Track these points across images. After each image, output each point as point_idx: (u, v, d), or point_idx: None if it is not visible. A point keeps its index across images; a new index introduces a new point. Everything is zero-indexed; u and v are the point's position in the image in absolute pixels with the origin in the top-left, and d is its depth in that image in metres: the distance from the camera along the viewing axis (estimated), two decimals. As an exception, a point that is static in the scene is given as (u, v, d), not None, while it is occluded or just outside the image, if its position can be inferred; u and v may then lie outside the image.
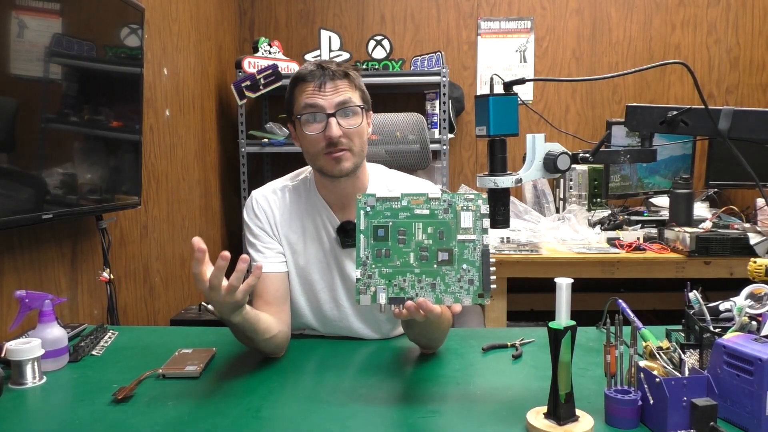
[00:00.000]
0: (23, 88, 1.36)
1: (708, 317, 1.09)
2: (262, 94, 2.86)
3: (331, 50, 3.08)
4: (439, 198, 0.99)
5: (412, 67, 3.07)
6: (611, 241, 2.43)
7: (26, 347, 1.09)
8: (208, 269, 0.98)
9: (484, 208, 0.98)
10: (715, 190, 2.98)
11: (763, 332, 0.97)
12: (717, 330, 1.02)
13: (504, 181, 1.02)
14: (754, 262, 1.10)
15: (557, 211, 3.00)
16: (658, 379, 0.87)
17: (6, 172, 1.31)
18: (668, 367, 0.92)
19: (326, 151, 1.24)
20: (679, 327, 1.17)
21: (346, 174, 1.26)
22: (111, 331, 1.40)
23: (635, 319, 1.15)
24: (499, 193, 1.04)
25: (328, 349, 1.29)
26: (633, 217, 2.70)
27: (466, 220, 0.98)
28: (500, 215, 1.04)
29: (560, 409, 0.88)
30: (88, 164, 1.61)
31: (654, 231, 2.53)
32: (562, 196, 3.00)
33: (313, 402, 1.02)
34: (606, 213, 2.75)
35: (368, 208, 0.99)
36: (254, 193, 1.39)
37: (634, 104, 1.09)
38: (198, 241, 0.97)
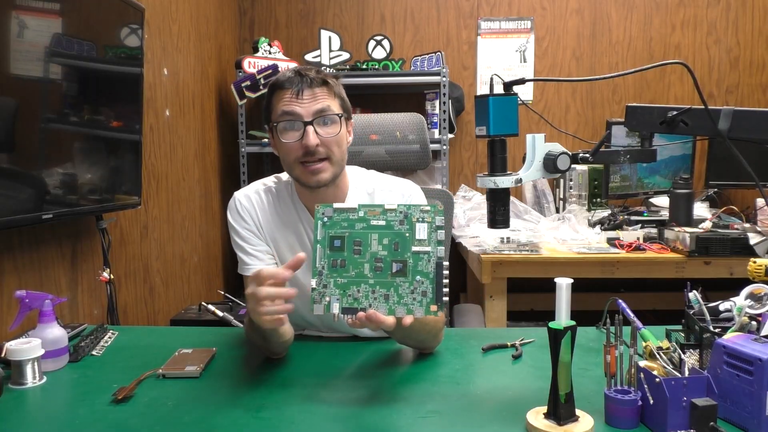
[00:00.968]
0: (23, 88, 1.36)
1: (708, 317, 1.09)
2: (262, 94, 2.86)
3: (331, 50, 3.08)
4: (395, 209, 0.99)
5: (412, 67, 3.07)
6: (611, 241, 2.43)
7: (26, 347, 1.09)
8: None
9: (439, 220, 0.98)
10: (715, 190, 2.98)
11: (763, 332, 0.97)
12: (717, 330, 1.02)
13: (504, 181, 1.02)
14: (754, 262, 1.10)
15: (557, 211, 3.00)
16: (658, 379, 0.87)
17: (6, 172, 1.31)
18: (668, 367, 0.92)
19: (303, 160, 1.22)
20: (679, 327, 1.17)
21: (324, 185, 1.25)
22: (111, 331, 1.40)
23: (635, 319, 1.15)
24: (499, 193, 1.04)
25: (328, 349, 1.29)
26: (633, 217, 2.70)
27: (421, 231, 0.98)
28: (500, 215, 1.04)
29: (560, 409, 0.88)
30: (88, 164, 1.61)
31: (654, 231, 2.53)
32: (562, 196, 3.00)
33: (313, 402, 1.02)
34: (606, 213, 2.75)
35: (325, 219, 0.99)
36: (236, 194, 1.37)
37: (634, 104, 1.09)
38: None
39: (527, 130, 1.12)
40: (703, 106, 1.01)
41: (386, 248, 0.98)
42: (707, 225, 2.37)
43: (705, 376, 0.89)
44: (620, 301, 1.21)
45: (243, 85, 2.82)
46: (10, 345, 1.10)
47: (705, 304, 1.11)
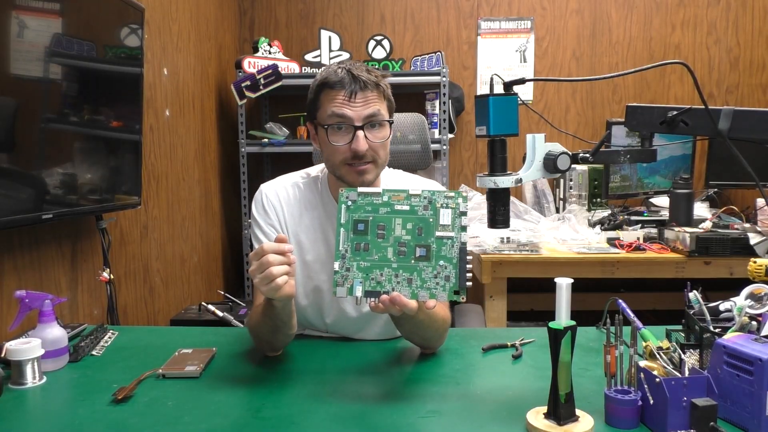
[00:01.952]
0: (23, 88, 1.36)
1: (708, 317, 1.09)
2: (262, 94, 2.86)
3: (331, 50, 3.08)
4: (419, 195, 0.99)
5: (412, 67, 3.07)
6: (611, 241, 2.43)
7: (26, 347, 1.09)
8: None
9: (464, 206, 0.98)
10: (715, 190, 2.98)
11: (763, 332, 0.97)
12: (717, 330, 1.02)
13: (504, 181, 1.02)
14: (754, 262, 1.10)
15: (557, 211, 3.00)
16: (658, 379, 0.87)
17: (6, 172, 1.31)
18: (668, 367, 0.92)
19: (349, 162, 1.22)
20: (679, 327, 1.17)
21: (368, 185, 1.24)
22: (111, 331, 1.40)
23: (635, 319, 1.15)
24: (499, 193, 1.04)
25: (329, 349, 1.29)
26: (633, 217, 2.70)
27: (445, 217, 0.98)
28: (500, 215, 1.04)
29: (560, 409, 0.88)
30: (88, 164, 1.61)
31: (654, 231, 2.53)
32: (562, 196, 3.00)
33: (313, 402, 1.02)
34: (606, 213, 2.75)
35: (349, 202, 0.99)
36: (263, 187, 1.36)
37: (634, 104, 1.09)
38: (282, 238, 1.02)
39: (527, 130, 1.12)
40: (703, 106, 1.01)
41: (410, 233, 0.98)
42: (707, 225, 2.37)
43: (705, 376, 0.89)
44: (620, 301, 1.20)
45: (243, 85, 2.82)
46: (10, 345, 1.10)
47: (705, 304, 1.11)
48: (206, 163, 2.79)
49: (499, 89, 1.01)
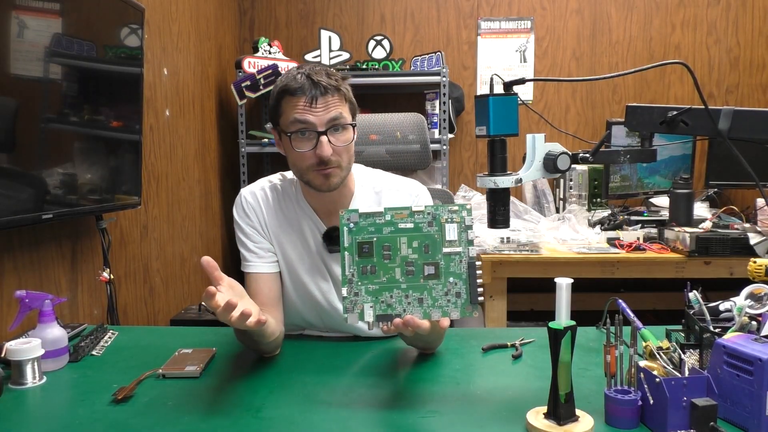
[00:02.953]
0: (23, 88, 1.36)
1: (708, 317, 1.09)
2: (262, 94, 2.86)
3: (331, 50, 3.08)
4: (423, 211, 0.96)
5: (412, 67, 3.07)
6: (611, 241, 2.43)
7: (26, 347, 1.09)
8: (219, 297, 0.94)
9: (469, 220, 0.96)
10: (715, 190, 2.98)
11: (763, 332, 0.97)
12: (717, 330, 1.02)
13: (504, 181, 1.02)
14: (754, 262, 1.10)
15: (557, 211, 3.00)
16: (658, 379, 0.87)
17: (6, 172, 1.31)
18: (668, 367, 0.92)
19: (315, 168, 1.22)
20: (679, 327, 1.17)
21: (334, 189, 1.25)
22: (111, 331, 1.40)
23: (635, 319, 1.15)
24: (499, 193, 1.04)
25: (328, 349, 1.29)
26: (633, 217, 2.70)
27: (451, 232, 0.96)
28: (500, 215, 1.04)
29: (560, 409, 0.88)
30: (88, 164, 1.61)
31: (654, 231, 2.53)
32: (562, 196, 3.00)
33: (313, 402, 1.02)
34: (606, 213, 2.75)
35: (351, 225, 0.96)
36: (243, 191, 1.37)
37: (634, 104, 1.09)
38: (208, 267, 0.98)
39: (527, 130, 1.12)
40: (703, 106, 1.01)
41: (416, 251, 0.96)
42: (707, 225, 2.37)
43: (705, 376, 0.89)
44: (620, 301, 1.20)
45: (243, 85, 2.82)
46: (10, 345, 1.10)
47: (705, 304, 1.11)
48: (206, 163, 2.79)
49: (499, 89, 1.01)
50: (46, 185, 1.44)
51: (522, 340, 1.28)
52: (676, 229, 2.37)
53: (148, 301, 2.19)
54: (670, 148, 2.88)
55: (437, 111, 2.96)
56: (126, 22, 1.74)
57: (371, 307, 0.95)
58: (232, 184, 3.12)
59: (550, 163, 1.03)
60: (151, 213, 2.21)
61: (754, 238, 2.25)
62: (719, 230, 2.32)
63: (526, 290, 3.02)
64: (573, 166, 1.05)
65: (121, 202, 1.79)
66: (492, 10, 3.28)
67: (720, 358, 0.91)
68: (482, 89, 3.29)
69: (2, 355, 1.13)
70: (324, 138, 1.20)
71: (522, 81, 1.01)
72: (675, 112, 1.04)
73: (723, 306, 1.12)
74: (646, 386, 0.89)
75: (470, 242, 0.96)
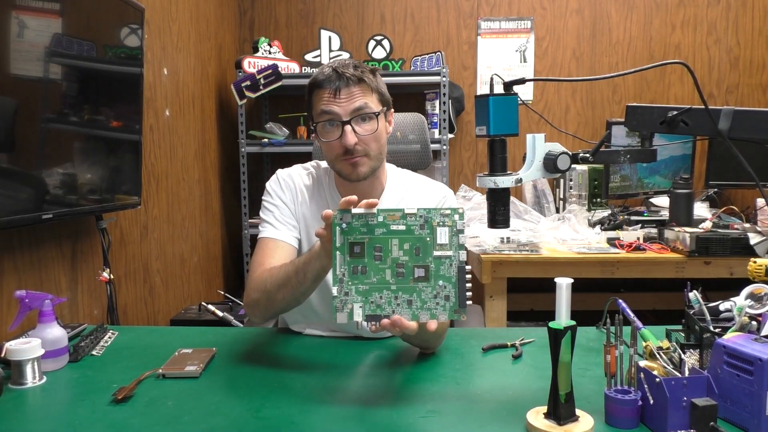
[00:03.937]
0: (23, 88, 1.36)
1: (708, 317, 1.09)
2: (262, 94, 2.86)
3: (331, 50, 3.08)
4: (415, 214, 0.97)
5: (412, 67, 3.07)
6: (611, 241, 2.43)
7: (26, 347, 1.09)
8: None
9: (460, 224, 0.97)
10: (715, 190, 2.98)
11: (763, 332, 0.97)
12: (717, 330, 1.02)
13: (504, 181, 1.02)
14: (754, 262, 1.10)
15: (557, 211, 3.00)
16: (658, 379, 0.87)
17: (6, 172, 1.31)
18: (668, 367, 0.92)
19: (343, 157, 1.26)
20: (679, 327, 1.17)
21: (363, 178, 1.29)
22: (111, 331, 1.40)
23: (635, 319, 1.15)
24: (499, 193, 1.04)
25: (329, 349, 1.29)
26: (633, 217, 2.70)
27: (443, 236, 0.97)
28: (500, 215, 1.04)
29: (560, 409, 0.88)
30: (88, 164, 1.61)
31: (654, 231, 2.53)
32: (562, 196, 3.00)
33: (313, 402, 1.02)
34: (606, 213, 2.75)
35: (344, 225, 0.97)
36: (279, 171, 1.41)
37: (634, 104, 1.09)
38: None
39: (527, 130, 1.12)
40: (703, 106, 1.01)
41: (407, 253, 0.97)
42: (707, 225, 2.37)
43: (705, 376, 0.89)
44: (620, 301, 1.20)
45: (243, 85, 2.82)
46: (10, 345, 1.10)
47: (705, 304, 1.11)
48: (206, 163, 2.79)
49: (499, 89, 1.01)
50: (46, 185, 1.44)
51: (522, 340, 1.28)
52: (676, 229, 2.37)
53: (148, 301, 2.19)
54: (670, 148, 2.88)
55: (437, 111, 2.96)
56: (126, 22, 1.74)
57: (361, 306, 0.96)
58: (232, 184, 3.12)
59: (550, 163, 1.03)
60: (151, 213, 2.21)
61: (754, 238, 2.25)
62: (719, 230, 2.32)
63: (526, 290, 3.02)
64: (573, 166, 1.05)
65: (121, 202, 1.79)
66: (492, 10, 3.29)
67: (720, 358, 0.91)
68: (482, 89, 3.29)
69: (2, 355, 1.13)
70: (348, 127, 1.24)
71: (522, 81, 1.01)
72: (675, 112, 1.04)
73: (723, 306, 1.12)
74: (646, 386, 0.89)
75: (461, 246, 0.97)
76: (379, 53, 3.07)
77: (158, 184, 2.26)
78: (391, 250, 0.97)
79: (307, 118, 1.35)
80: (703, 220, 2.42)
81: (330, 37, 3.09)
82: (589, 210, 2.89)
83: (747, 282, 1.08)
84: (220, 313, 2.01)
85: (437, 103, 2.95)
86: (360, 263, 0.97)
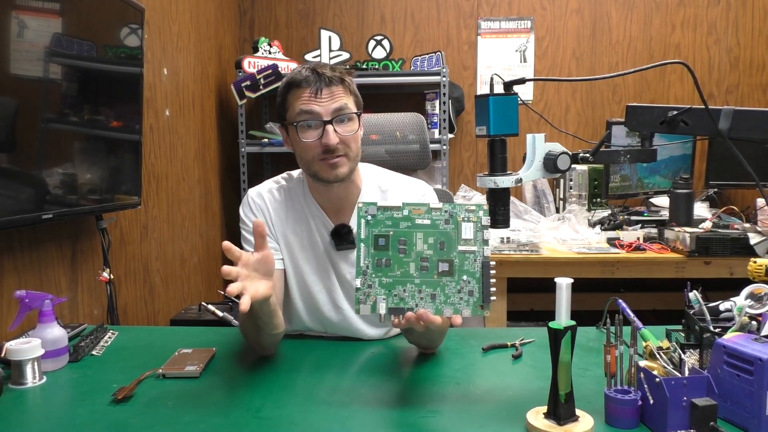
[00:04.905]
0: (23, 88, 1.36)
1: (708, 317, 1.09)
2: (262, 94, 2.86)
3: (331, 50, 3.08)
4: (440, 208, 0.98)
5: (412, 67, 3.07)
6: (611, 241, 2.43)
7: (26, 347, 1.09)
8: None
9: (485, 220, 0.97)
10: (715, 190, 2.98)
11: (763, 332, 0.97)
12: (717, 330, 1.02)
13: (504, 181, 1.02)
14: (754, 262, 1.10)
15: (557, 211, 3.00)
16: (658, 379, 0.87)
17: (6, 172, 1.31)
18: (668, 367, 0.92)
19: (322, 158, 1.24)
20: (679, 327, 1.17)
21: (341, 179, 1.26)
22: (111, 331, 1.40)
23: (635, 319, 1.15)
24: (499, 193, 1.04)
25: (328, 349, 1.29)
26: (633, 217, 2.70)
27: (467, 231, 0.97)
28: (500, 215, 1.04)
29: (560, 409, 0.88)
30: (88, 164, 1.61)
31: (654, 231, 2.53)
32: (562, 196, 3.00)
33: (313, 402, 1.02)
34: (606, 213, 2.75)
35: (369, 217, 0.97)
36: (250, 191, 1.39)
37: (634, 104, 1.09)
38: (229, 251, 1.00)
39: (527, 130, 1.12)
40: (703, 106, 1.01)
41: (432, 247, 0.97)
42: (707, 225, 2.37)
43: (705, 376, 0.89)
44: (620, 301, 1.20)
45: (243, 85, 2.82)
46: (10, 345, 1.10)
47: (705, 304, 1.11)
48: (206, 163, 2.79)
49: (499, 89, 1.01)
50: (46, 185, 1.44)
51: (522, 340, 1.28)
52: (676, 229, 2.37)
53: (148, 301, 2.19)
54: (670, 148, 2.88)
55: (437, 111, 2.96)
56: (126, 22, 1.74)
57: (384, 299, 0.96)
58: (232, 184, 3.12)
59: (550, 163, 1.04)
60: (151, 213, 2.21)
61: (754, 238, 2.25)
62: (719, 230, 2.32)
63: (526, 290, 3.02)
64: (573, 166, 1.05)
65: (121, 202, 1.79)
66: (492, 10, 3.28)
67: (720, 358, 0.91)
68: (482, 89, 3.29)
69: (2, 355, 1.13)
70: (330, 127, 1.22)
71: (522, 81, 1.01)
72: (675, 112, 1.04)
73: (723, 306, 1.12)
74: (646, 386, 0.89)
75: (485, 242, 0.97)
76: (379, 53, 3.07)
77: (158, 184, 2.26)
78: (416, 244, 0.97)
79: (278, 120, 1.32)
80: (703, 220, 2.42)
81: (330, 37, 3.09)
82: (589, 210, 2.89)
83: (747, 282, 1.08)
84: (220, 313, 2.01)
85: (437, 103, 2.95)
86: (384, 256, 0.97)
